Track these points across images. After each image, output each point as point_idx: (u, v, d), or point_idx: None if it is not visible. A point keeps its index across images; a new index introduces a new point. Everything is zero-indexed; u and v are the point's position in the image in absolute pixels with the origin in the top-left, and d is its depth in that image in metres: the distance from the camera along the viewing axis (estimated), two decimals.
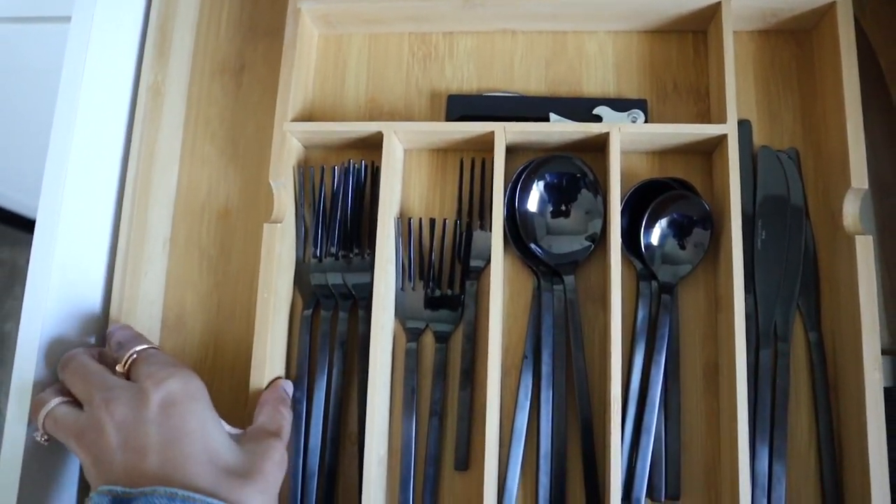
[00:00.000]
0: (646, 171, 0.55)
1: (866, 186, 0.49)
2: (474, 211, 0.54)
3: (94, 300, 0.55)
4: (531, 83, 0.57)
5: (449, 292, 0.53)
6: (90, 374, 0.44)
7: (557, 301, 0.52)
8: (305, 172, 0.55)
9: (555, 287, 0.52)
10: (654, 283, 0.51)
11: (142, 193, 0.57)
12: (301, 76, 0.57)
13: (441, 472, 0.51)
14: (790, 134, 0.54)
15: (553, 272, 0.52)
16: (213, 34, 0.62)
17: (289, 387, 0.51)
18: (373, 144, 0.54)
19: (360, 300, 0.53)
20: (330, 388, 0.52)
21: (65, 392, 0.45)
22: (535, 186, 0.52)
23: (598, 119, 0.53)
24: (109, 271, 0.57)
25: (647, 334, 0.51)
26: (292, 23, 0.56)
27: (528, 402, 0.51)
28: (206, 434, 0.41)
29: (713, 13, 0.54)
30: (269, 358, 0.50)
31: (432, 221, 0.54)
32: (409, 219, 0.54)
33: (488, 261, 0.52)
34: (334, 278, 0.53)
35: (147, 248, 0.57)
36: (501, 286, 0.52)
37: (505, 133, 0.52)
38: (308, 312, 0.54)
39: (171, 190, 0.59)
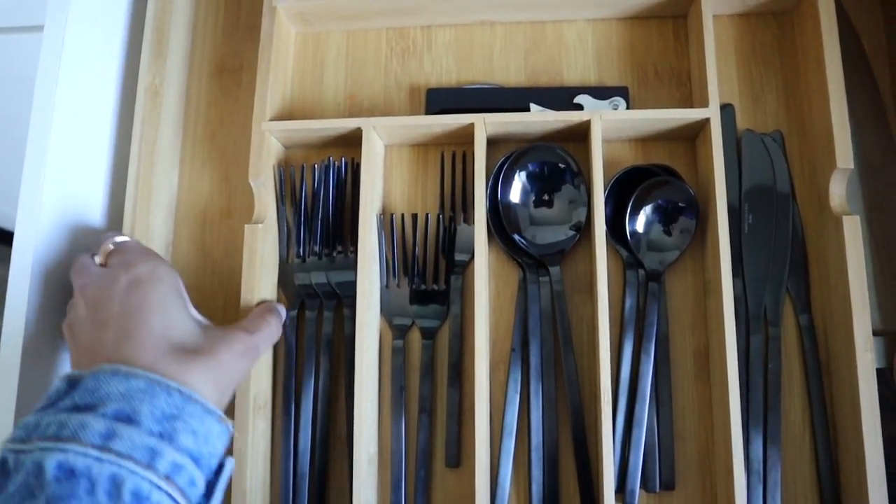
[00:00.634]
0: (629, 158, 0.54)
1: (852, 166, 0.48)
2: (457, 204, 0.53)
3: None
4: (511, 74, 0.57)
5: (434, 288, 0.53)
6: (79, 269, 0.46)
7: (544, 292, 0.51)
8: (286, 171, 0.55)
9: (541, 278, 0.51)
10: (641, 272, 0.51)
11: (143, 197, 0.56)
12: (279, 75, 0.56)
13: (432, 469, 0.51)
14: (774, 116, 0.54)
15: (539, 263, 0.51)
16: (209, 34, 0.61)
17: (281, 307, 0.51)
18: (353, 141, 0.53)
19: (345, 299, 0.52)
20: (318, 389, 0.52)
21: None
22: (516, 177, 0.51)
23: (580, 108, 0.53)
24: None
25: (635, 323, 0.51)
26: (268, 22, 0.55)
27: (518, 396, 0.50)
28: (165, 312, 0.42)
29: None
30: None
31: (415, 217, 0.54)
32: (392, 215, 0.54)
33: (473, 254, 0.51)
34: (318, 277, 0.53)
35: None
36: (487, 280, 0.51)
37: (485, 125, 0.51)
38: (293, 313, 0.53)
39: (173, 193, 0.58)
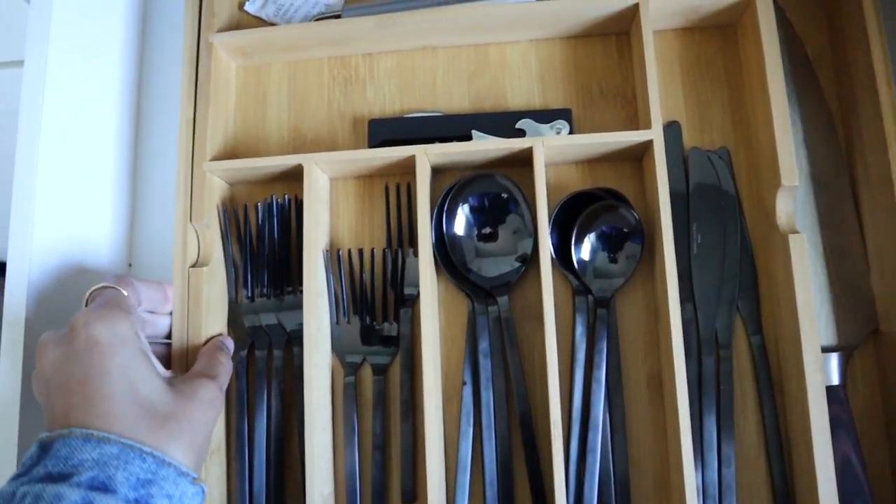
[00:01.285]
0: (577, 181, 0.53)
1: (797, 184, 0.48)
2: (404, 237, 0.53)
3: None
4: (455, 99, 0.56)
5: (385, 325, 0.52)
6: (41, 340, 0.44)
7: (493, 323, 0.51)
8: (230, 211, 0.54)
9: (489, 308, 0.51)
10: (591, 298, 0.50)
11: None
12: (220, 112, 0.55)
13: None
14: (721, 132, 0.53)
15: (487, 293, 0.51)
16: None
17: (228, 342, 0.51)
18: (297, 176, 0.52)
19: (295, 338, 0.52)
20: (271, 430, 0.51)
21: None
22: (460, 209, 0.51)
23: (522, 133, 0.52)
24: None
25: (586, 350, 0.50)
26: (205, 57, 0.54)
27: (472, 429, 0.50)
28: (129, 373, 0.40)
29: (633, 14, 0.52)
30: None
31: (361, 252, 0.53)
32: (339, 250, 0.53)
33: None
34: (268, 319, 0.52)
35: None
36: (434, 313, 0.51)
37: (427, 156, 0.51)
38: (243, 354, 0.53)
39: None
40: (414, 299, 0.52)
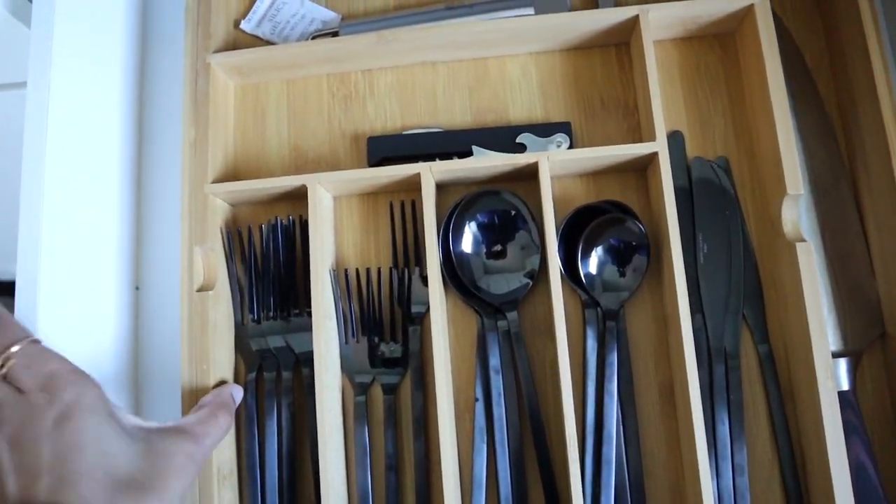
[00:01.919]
0: (581, 193, 0.53)
1: (802, 192, 0.48)
2: (410, 255, 0.53)
3: None
4: (456, 114, 0.56)
5: (393, 344, 0.52)
6: None
7: (503, 338, 0.50)
8: (233, 233, 0.53)
9: (499, 323, 0.51)
10: (600, 310, 0.50)
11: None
12: (219, 132, 0.55)
13: None
14: (723, 140, 0.53)
15: (496, 309, 0.51)
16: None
17: (237, 392, 0.49)
18: (301, 196, 0.52)
19: (304, 360, 0.51)
20: (282, 452, 0.51)
21: None
22: (467, 227, 0.51)
23: (523, 147, 0.52)
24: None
25: (597, 363, 0.50)
26: (203, 78, 0.54)
27: (486, 446, 0.50)
28: (102, 446, 0.38)
29: (633, 25, 0.52)
30: None
31: (368, 271, 0.53)
32: (346, 270, 0.53)
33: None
34: (275, 341, 0.52)
35: None
36: (444, 331, 0.50)
37: (432, 172, 0.50)
38: (252, 376, 0.52)
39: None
40: (422, 316, 0.52)
